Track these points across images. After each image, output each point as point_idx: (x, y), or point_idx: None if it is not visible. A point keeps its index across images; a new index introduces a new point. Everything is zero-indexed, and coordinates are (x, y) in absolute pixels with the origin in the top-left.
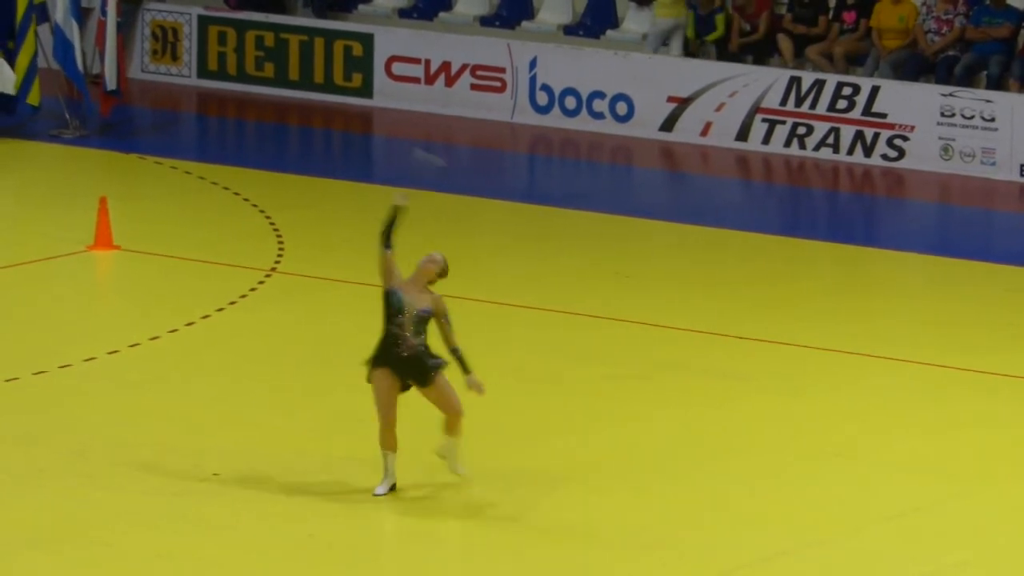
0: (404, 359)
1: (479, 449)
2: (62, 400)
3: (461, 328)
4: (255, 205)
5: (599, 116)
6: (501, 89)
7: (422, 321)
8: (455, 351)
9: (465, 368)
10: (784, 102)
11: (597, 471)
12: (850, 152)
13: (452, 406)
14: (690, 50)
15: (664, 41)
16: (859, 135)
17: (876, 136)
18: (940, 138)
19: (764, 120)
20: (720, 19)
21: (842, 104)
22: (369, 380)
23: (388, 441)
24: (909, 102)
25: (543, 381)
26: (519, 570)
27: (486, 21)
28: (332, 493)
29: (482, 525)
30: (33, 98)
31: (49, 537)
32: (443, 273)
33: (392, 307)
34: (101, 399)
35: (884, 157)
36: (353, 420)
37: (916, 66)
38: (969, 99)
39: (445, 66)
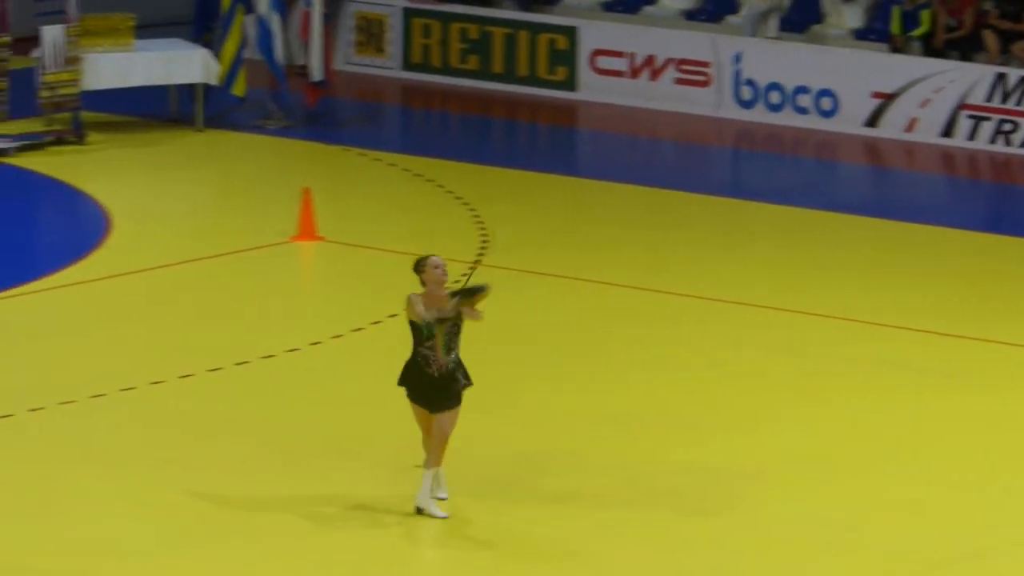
0: (434, 379)
1: (680, 442)
2: (265, 390)
3: (665, 322)
4: (459, 198)
5: (803, 111)
6: (705, 83)
7: (454, 336)
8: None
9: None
10: (989, 98)
11: (796, 467)
12: None
13: (448, 432)
14: (896, 45)
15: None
16: None
17: None
18: None
19: (969, 116)
20: (925, 15)
21: None
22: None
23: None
24: None
25: (744, 376)
26: (720, 565)
27: (690, 15)
28: (524, 487)
29: (688, 518)
30: (238, 88)
31: (264, 524)
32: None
33: (422, 333)
34: (304, 389)
35: None
36: (547, 416)
37: None
38: None
39: (649, 60)
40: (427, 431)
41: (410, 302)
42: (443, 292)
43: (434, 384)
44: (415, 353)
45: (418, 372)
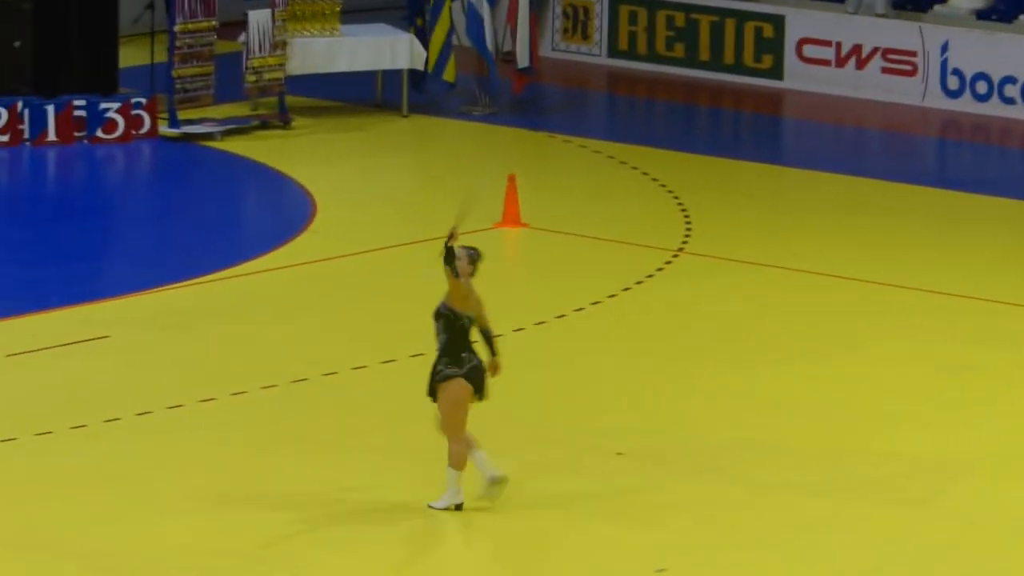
0: (484, 369)
1: (881, 432)
2: None
3: (868, 312)
4: (663, 185)
5: (1010, 101)
6: (912, 73)
7: (441, 329)
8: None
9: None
10: None
11: (1002, 459)
12: None
13: (443, 423)
14: None
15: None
16: None
17: None
18: None
19: None
20: None
21: None
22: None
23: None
24: None
25: (954, 368)
26: (920, 557)
27: (897, 4)
28: (733, 476)
29: (890, 509)
30: (449, 75)
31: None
32: (472, 261)
33: (471, 320)
34: (506, 376)
35: None
36: (749, 404)
37: None
38: None
39: (856, 49)
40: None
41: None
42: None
43: (483, 374)
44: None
45: (474, 364)
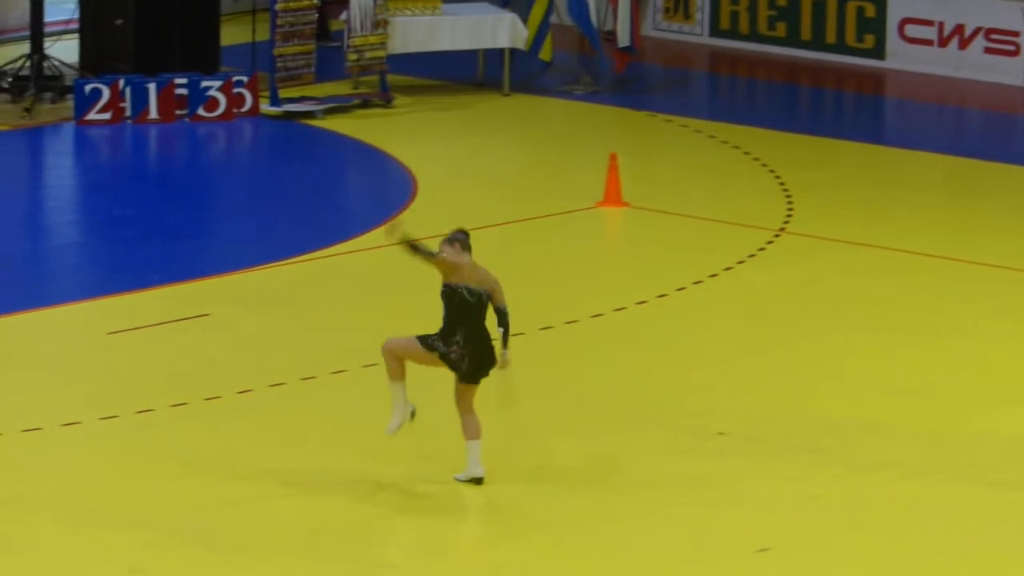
0: (488, 348)
1: (977, 412)
2: (568, 355)
3: (966, 292)
4: (764, 165)
5: None
6: (1015, 53)
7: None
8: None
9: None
10: None
11: None
12: None
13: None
14: None
15: None
16: None
17: None
18: None
19: None
20: None
21: None
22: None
23: (395, 371)
24: None
25: None
26: (1018, 537)
27: None
28: (835, 456)
29: (986, 489)
30: (545, 53)
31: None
32: (453, 244)
33: (474, 297)
34: (606, 355)
35: None
36: (847, 384)
37: None
38: None
39: (958, 29)
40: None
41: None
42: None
43: (485, 355)
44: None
45: (475, 343)
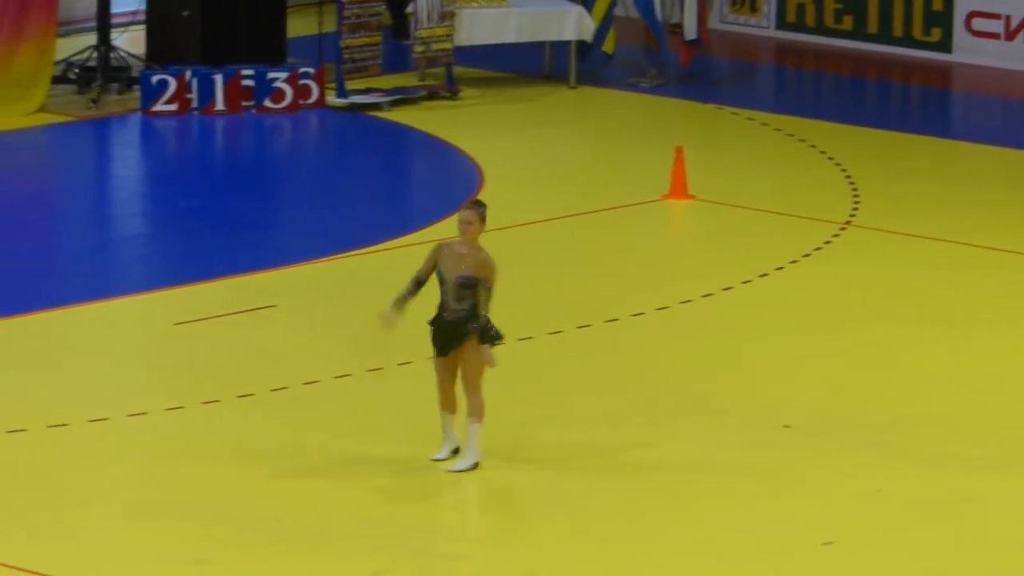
0: (447, 323)
1: None
2: (634, 348)
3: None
4: (831, 158)
5: None
6: None
7: (464, 287)
8: (478, 318)
9: (484, 339)
10: None
11: None
12: None
13: (471, 381)
14: None
15: None
16: None
17: None
18: None
19: None
20: None
21: None
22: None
23: (445, 402)
24: None
25: None
26: None
27: None
28: (900, 450)
29: None
30: (608, 46)
31: (630, 481)
32: (482, 221)
33: (438, 276)
34: (672, 348)
35: None
36: (919, 377)
37: None
38: None
39: None
40: (444, 381)
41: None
42: (464, 249)
43: (447, 328)
44: (441, 297)
45: (438, 319)
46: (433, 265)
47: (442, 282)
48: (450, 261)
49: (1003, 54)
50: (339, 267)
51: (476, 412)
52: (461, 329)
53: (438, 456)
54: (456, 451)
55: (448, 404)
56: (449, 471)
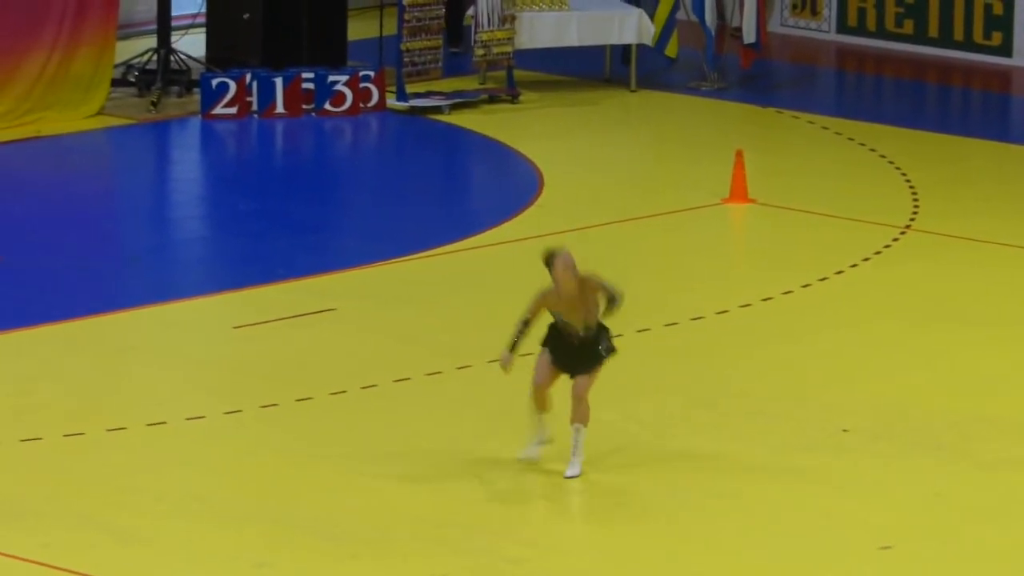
0: (574, 347)
1: None
2: (693, 351)
3: None
4: (891, 162)
5: None
6: None
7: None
8: (612, 302)
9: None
10: None
11: None
12: None
13: (586, 390)
14: None
15: None
16: None
17: None
18: None
19: None
20: None
21: None
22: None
23: (535, 403)
24: None
25: None
26: None
27: None
28: (960, 453)
29: None
30: (671, 50)
31: (677, 483)
32: (567, 269)
33: (557, 318)
34: (732, 351)
35: None
36: (974, 380)
37: None
38: None
39: None
40: (546, 386)
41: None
42: (573, 292)
43: (574, 352)
44: (556, 320)
45: (559, 337)
46: (538, 311)
47: (565, 323)
48: (565, 311)
49: None
50: (399, 270)
51: (584, 417)
52: (593, 351)
53: (528, 454)
54: (541, 443)
55: (544, 404)
56: (566, 477)
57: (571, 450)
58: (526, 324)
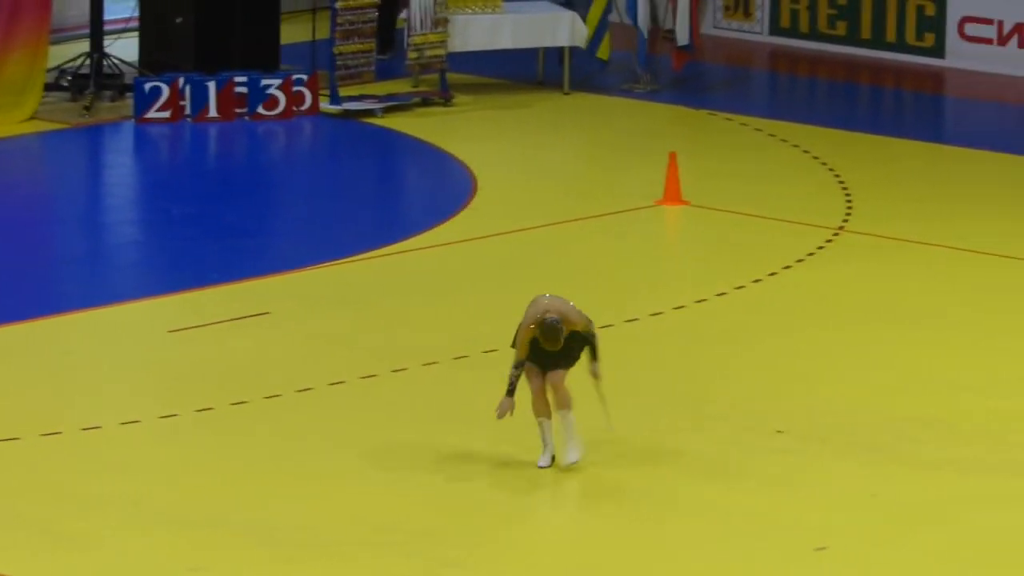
0: (552, 353)
1: None
2: (627, 354)
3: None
4: (824, 163)
5: None
6: None
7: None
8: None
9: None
10: None
11: None
12: None
13: (562, 379)
14: None
15: None
16: None
17: None
18: None
19: None
20: None
21: None
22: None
23: (538, 408)
24: None
25: None
26: None
27: None
28: (895, 454)
29: None
30: (603, 52)
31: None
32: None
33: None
34: (667, 353)
35: None
36: (912, 382)
37: None
38: None
39: (1019, 27)
40: (542, 390)
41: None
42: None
43: (551, 355)
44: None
45: (539, 350)
46: (527, 354)
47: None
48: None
49: (995, 59)
50: (333, 274)
51: (567, 402)
52: (570, 353)
53: (542, 463)
54: (554, 457)
55: (545, 410)
56: (569, 464)
57: (565, 437)
58: (520, 367)
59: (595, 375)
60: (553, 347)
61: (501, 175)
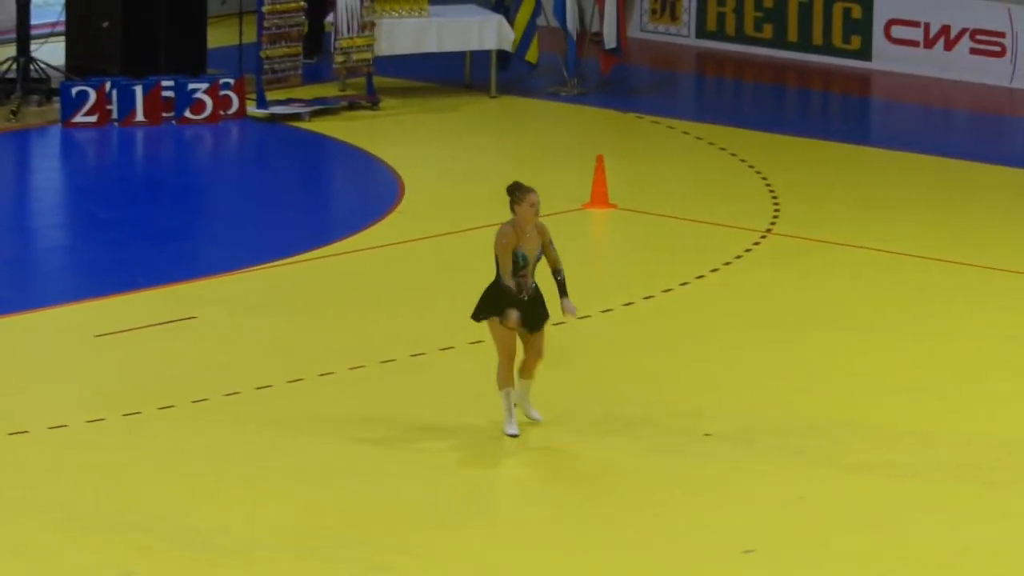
0: (527, 302)
1: (969, 413)
2: (555, 357)
3: (956, 293)
4: (751, 166)
5: None
6: (1001, 54)
7: (537, 263)
8: (558, 273)
9: (564, 291)
10: None
11: None
12: None
13: (542, 346)
14: None
15: None
16: None
17: None
18: None
19: None
20: None
21: None
22: (501, 322)
23: (508, 379)
24: None
25: None
26: (1008, 536)
27: None
28: (822, 457)
29: (978, 489)
30: (531, 55)
31: (540, 488)
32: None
33: (518, 264)
34: (592, 357)
35: None
36: (837, 384)
37: None
38: None
39: (944, 30)
40: (513, 353)
41: (501, 234)
42: (531, 228)
43: (528, 306)
44: (500, 284)
45: (511, 299)
46: (511, 249)
47: (523, 267)
48: (526, 244)
49: (922, 61)
50: (260, 278)
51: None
52: (542, 301)
53: (514, 431)
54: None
55: (511, 379)
56: (538, 419)
57: (527, 399)
58: (556, 272)
59: (571, 312)
60: (522, 216)
61: (428, 179)
